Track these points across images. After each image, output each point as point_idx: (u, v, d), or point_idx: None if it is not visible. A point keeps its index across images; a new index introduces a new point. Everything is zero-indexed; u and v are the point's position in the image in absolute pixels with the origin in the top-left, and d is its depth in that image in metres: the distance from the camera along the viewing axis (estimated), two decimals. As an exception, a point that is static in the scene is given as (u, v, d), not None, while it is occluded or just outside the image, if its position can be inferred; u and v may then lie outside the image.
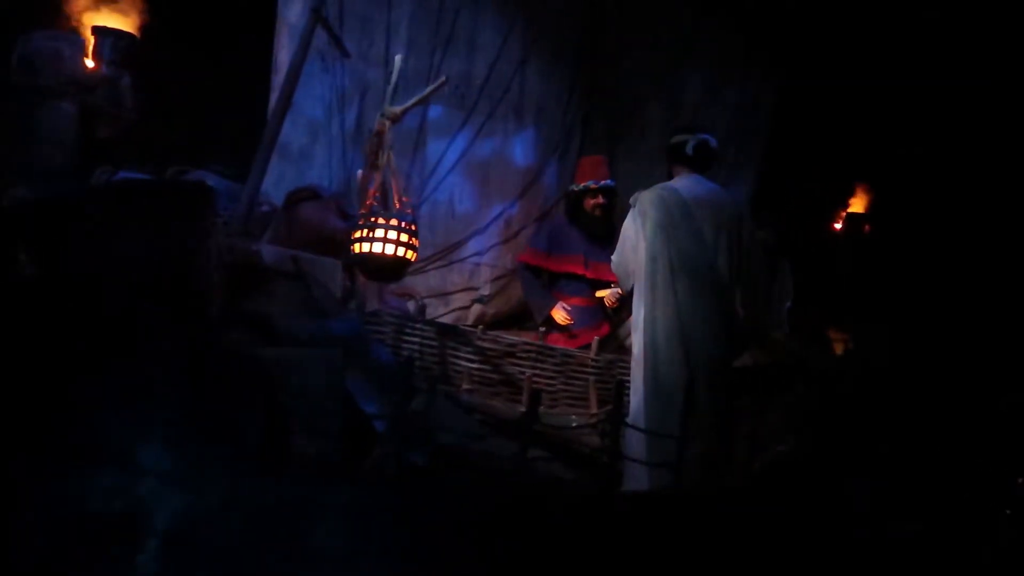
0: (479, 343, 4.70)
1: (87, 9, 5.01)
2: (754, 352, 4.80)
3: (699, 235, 4.40)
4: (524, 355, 4.83)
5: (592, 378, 4.90)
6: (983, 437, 4.02)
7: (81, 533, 2.37)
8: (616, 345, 5.31)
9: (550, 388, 4.85)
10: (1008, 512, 3.66)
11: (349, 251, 4.26)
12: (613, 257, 4.70)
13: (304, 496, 2.54)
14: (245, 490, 2.53)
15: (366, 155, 4.62)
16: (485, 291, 6.02)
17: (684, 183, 4.55)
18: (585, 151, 6.31)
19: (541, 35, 6.27)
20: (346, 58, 5.43)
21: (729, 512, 3.15)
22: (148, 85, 5.21)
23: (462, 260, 6.02)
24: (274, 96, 5.03)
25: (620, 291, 5.03)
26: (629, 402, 4.46)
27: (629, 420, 4.34)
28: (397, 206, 4.39)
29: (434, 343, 4.59)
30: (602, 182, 5.57)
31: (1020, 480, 3.76)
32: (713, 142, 4.65)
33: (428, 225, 5.88)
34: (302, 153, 5.64)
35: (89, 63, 4.96)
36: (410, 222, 4.30)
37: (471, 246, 6.04)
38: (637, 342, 4.41)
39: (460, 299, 6.02)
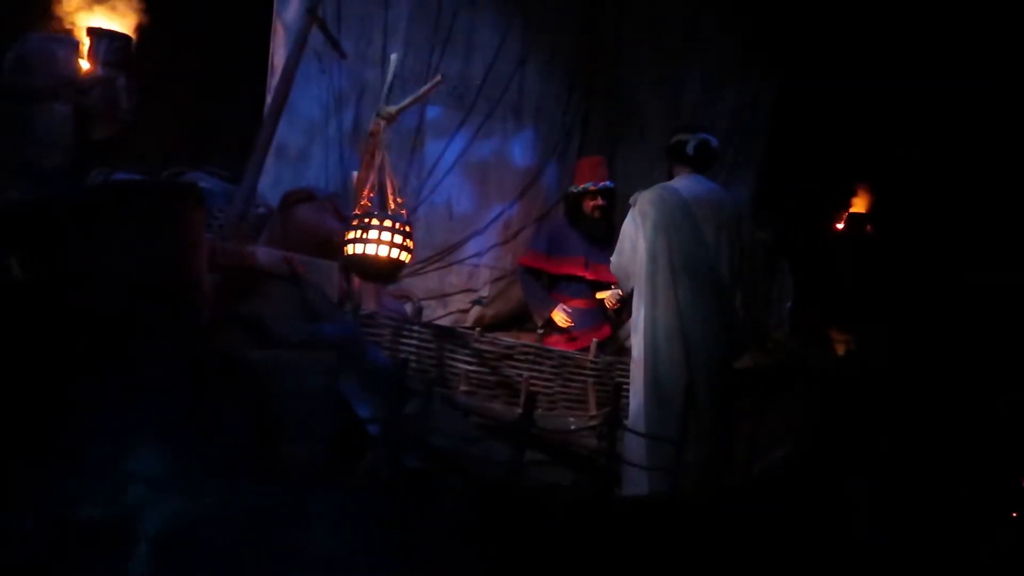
0: (476, 345, 4.67)
1: (82, 10, 4.98)
2: (754, 353, 4.77)
3: (700, 235, 4.38)
4: (522, 357, 4.80)
5: (591, 380, 4.87)
6: (983, 437, 4.00)
7: (70, 538, 2.35)
8: (616, 347, 5.29)
9: (548, 390, 4.82)
10: (1015, 515, 3.65)
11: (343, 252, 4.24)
12: (612, 258, 4.67)
13: (296, 500, 2.52)
14: (237, 494, 2.50)
15: (361, 155, 4.59)
16: (484, 293, 6.00)
17: (684, 183, 4.53)
18: (585, 151, 6.29)
19: (540, 35, 6.26)
20: (343, 59, 5.41)
21: (728, 515, 3.13)
22: (144, 86, 5.18)
23: (461, 261, 6.00)
24: (270, 97, 5.01)
25: (620, 292, 5.01)
26: (628, 404, 4.45)
27: (628, 422, 4.32)
28: (392, 207, 4.36)
29: (431, 345, 4.56)
30: (601, 183, 5.55)
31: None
32: (714, 142, 4.63)
33: (426, 226, 5.87)
34: (299, 154, 5.63)
35: (84, 64, 4.93)
36: (404, 223, 4.27)
37: (470, 247, 6.02)
38: (637, 343, 4.39)
39: (459, 301, 6.00)
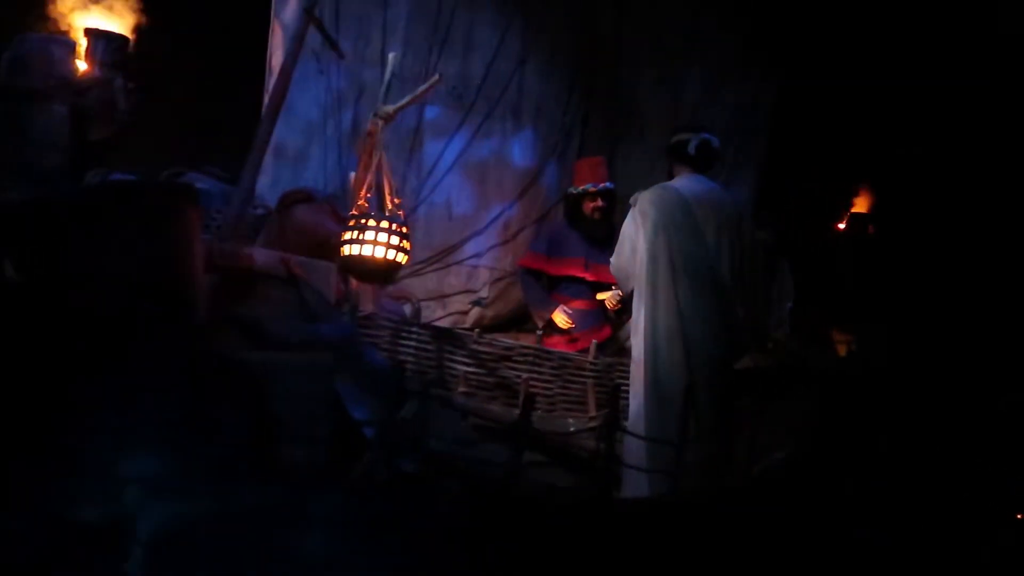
0: (475, 346, 4.65)
1: (80, 11, 4.97)
2: (754, 354, 4.76)
3: (700, 235, 4.37)
4: (521, 358, 4.78)
5: (590, 381, 4.85)
6: (983, 437, 4.00)
7: (66, 540, 2.34)
8: (617, 347, 5.28)
9: (547, 392, 4.80)
10: (1020, 516, 3.64)
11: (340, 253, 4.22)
12: (612, 259, 4.66)
13: (292, 502, 2.51)
14: (232, 496, 2.49)
15: (359, 155, 4.58)
16: (483, 294, 5.99)
17: (685, 183, 4.52)
18: (584, 151, 6.29)
19: (539, 34, 6.24)
20: (341, 59, 5.39)
21: (728, 517, 3.12)
22: (142, 87, 5.17)
23: (460, 262, 5.99)
24: (268, 98, 4.99)
25: (620, 293, 5.00)
26: (628, 406, 4.43)
27: (628, 424, 4.31)
28: (389, 207, 4.34)
29: (429, 347, 4.54)
30: (601, 185, 5.54)
31: None
32: (715, 142, 4.63)
33: (425, 227, 5.87)
34: (298, 155, 5.62)
35: (82, 65, 4.92)
36: (401, 224, 4.25)
37: (469, 248, 6.01)
38: (637, 344, 4.38)
39: (458, 302, 5.99)
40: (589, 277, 5.52)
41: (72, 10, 4.92)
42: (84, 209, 2.75)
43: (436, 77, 4.82)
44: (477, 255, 6.01)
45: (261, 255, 4.04)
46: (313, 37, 5.06)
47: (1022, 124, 6.42)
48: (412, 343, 4.52)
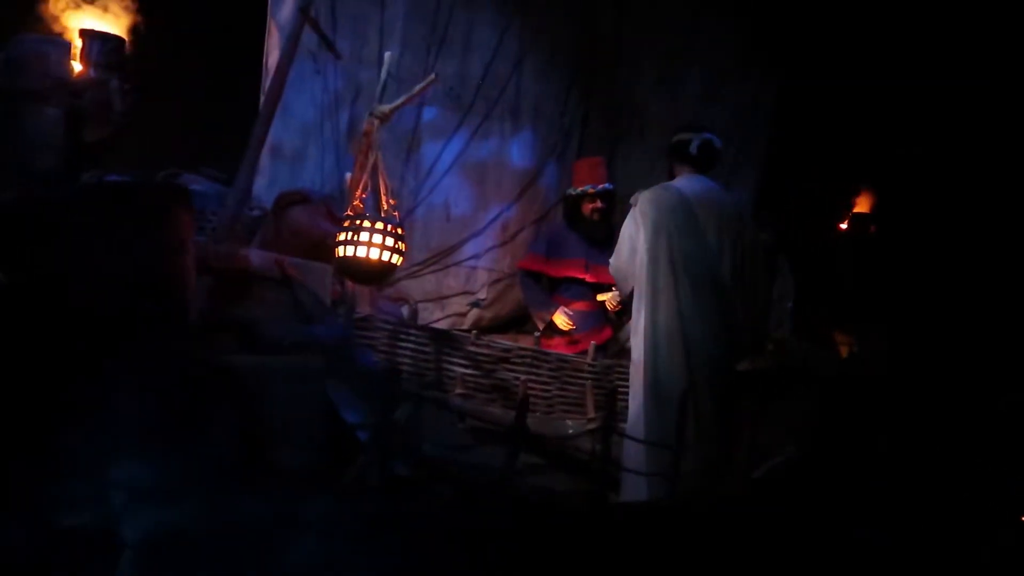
0: (473, 348, 4.62)
1: (75, 12, 4.95)
2: (754, 357, 4.73)
3: (701, 236, 4.35)
4: (519, 360, 4.74)
5: (589, 383, 4.82)
6: (983, 437, 3.98)
7: (52, 547, 2.31)
8: (617, 348, 5.26)
9: (546, 394, 4.77)
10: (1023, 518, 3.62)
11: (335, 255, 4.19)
12: (611, 260, 4.64)
13: (283, 507, 2.48)
14: (222, 502, 2.46)
15: (355, 156, 4.55)
16: (482, 295, 5.97)
17: (686, 183, 4.49)
18: (584, 151, 6.27)
19: (539, 34, 6.22)
20: (338, 59, 5.37)
21: (728, 522, 3.09)
22: (139, 88, 5.15)
23: (458, 264, 5.97)
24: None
25: (620, 294, 4.97)
26: (626, 407, 4.40)
27: (628, 425, 4.29)
28: (385, 208, 4.31)
29: (426, 348, 4.51)
30: (600, 185, 5.52)
31: None
32: (717, 142, 4.60)
33: (423, 228, 5.86)
34: (295, 156, 5.60)
35: (77, 66, 4.89)
36: (396, 225, 4.21)
37: (467, 249, 5.99)
38: (637, 346, 4.35)
39: (456, 303, 5.97)
40: (589, 278, 5.49)
41: (67, 11, 4.90)
42: (74, 210, 2.72)
43: (432, 76, 4.79)
44: (475, 256, 5.99)
45: (257, 256, 4.02)
46: (310, 37, 5.03)
47: (1022, 124, 6.40)
48: (409, 345, 4.49)
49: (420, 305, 5.49)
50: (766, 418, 4.38)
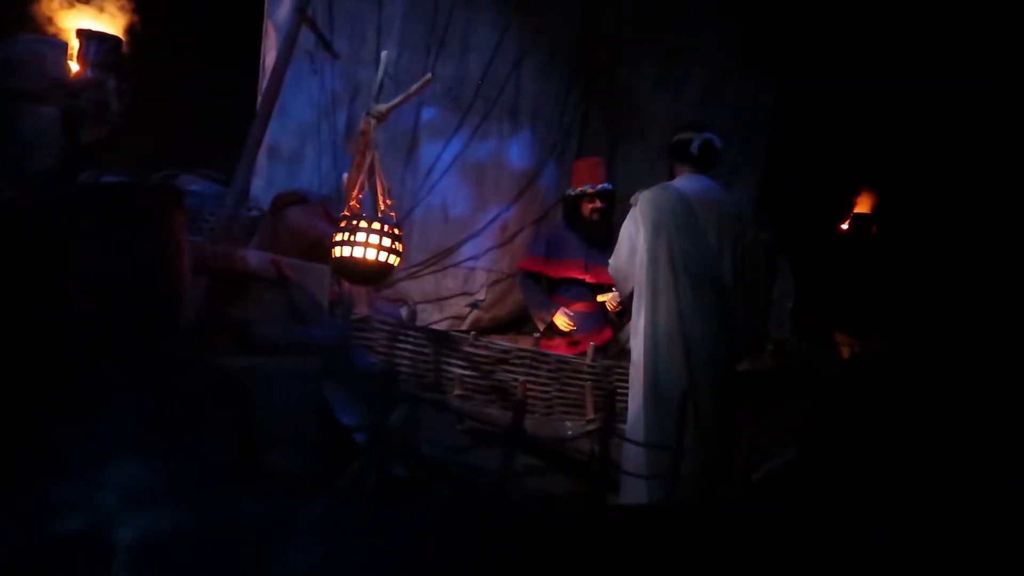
0: (471, 349, 4.60)
1: (70, 12, 4.93)
2: (754, 359, 4.72)
3: (701, 235, 4.32)
4: (518, 361, 4.72)
5: (588, 384, 4.80)
6: (983, 437, 3.97)
7: (41, 554, 2.28)
8: (618, 349, 5.24)
9: (545, 395, 4.75)
10: None
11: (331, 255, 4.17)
12: (610, 260, 4.61)
13: (278, 510, 2.45)
14: (216, 506, 2.44)
15: (352, 156, 4.53)
16: (480, 296, 5.95)
17: (686, 182, 4.47)
18: (584, 152, 6.26)
19: (538, 34, 6.21)
20: (335, 59, 5.35)
21: (727, 525, 3.07)
22: (136, 89, 5.13)
23: (457, 265, 5.95)
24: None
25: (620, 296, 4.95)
26: (626, 409, 4.38)
27: (627, 427, 4.26)
28: (382, 208, 4.29)
29: (424, 350, 4.49)
30: (599, 185, 5.50)
31: None
32: (718, 141, 4.58)
33: (422, 229, 5.84)
34: (293, 156, 5.58)
35: (74, 66, 4.88)
36: (393, 225, 4.19)
37: (466, 250, 5.97)
38: (637, 347, 4.33)
39: (455, 304, 5.95)
40: (589, 279, 5.48)
41: (62, 11, 4.88)
42: (66, 210, 2.70)
43: (428, 75, 4.77)
44: (474, 257, 5.98)
45: (254, 257, 3.99)
46: (307, 37, 5.02)
47: (1022, 124, 6.39)
48: (407, 346, 4.47)
49: (419, 306, 5.47)
50: (766, 419, 4.37)
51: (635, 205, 4.46)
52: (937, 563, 3.24)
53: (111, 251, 2.62)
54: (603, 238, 5.39)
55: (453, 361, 4.55)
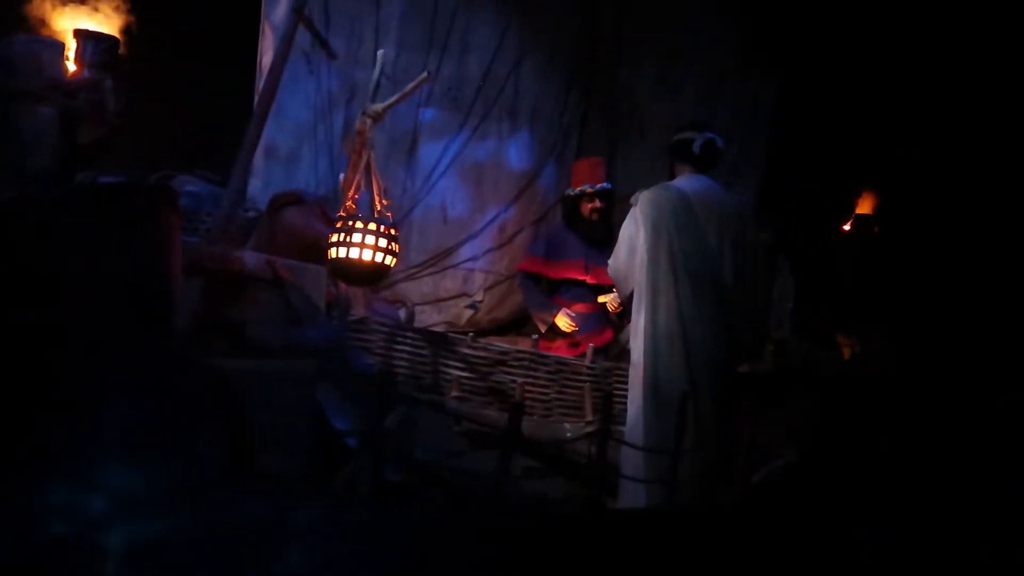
0: (469, 351, 4.57)
1: (65, 12, 4.92)
2: (754, 358, 4.70)
3: (702, 235, 4.30)
4: (516, 363, 4.70)
5: (587, 386, 4.78)
6: (983, 437, 3.96)
7: (29, 559, 2.26)
8: (619, 350, 5.22)
9: (544, 397, 4.73)
10: None
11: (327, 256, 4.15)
12: (610, 260, 4.59)
13: (270, 515, 2.43)
14: (206, 510, 2.41)
15: (349, 155, 4.51)
16: (479, 297, 5.92)
17: (687, 182, 4.45)
18: (583, 152, 6.24)
19: (538, 35, 6.19)
20: (332, 59, 5.33)
21: (726, 529, 3.05)
22: (134, 89, 5.12)
23: (455, 266, 5.92)
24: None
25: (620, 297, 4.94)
26: (624, 411, 4.36)
27: (626, 429, 4.24)
28: (378, 208, 4.27)
29: (422, 351, 4.47)
30: (598, 185, 5.49)
31: None
32: (720, 141, 4.56)
33: (420, 230, 5.82)
34: (290, 156, 5.56)
35: (71, 67, 4.87)
36: (390, 226, 4.17)
37: (465, 251, 5.94)
38: (636, 347, 4.31)
39: (454, 305, 5.92)
40: (589, 279, 5.47)
41: (56, 11, 4.87)
42: (57, 211, 2.68)
43: (424, 75, 4.75)
44: (473, 258, 5.95)
45: (251, 258, 3.98)
46: (304, 37, 5.00)
47: (1022, 124, 6.37)
48: (405, 347, 4.45)
49: (417, 308, 5.45)
50: (766, 419, 4.35)
51: (635, 205, 4.43)
52: (937, 563, 3.23)
53: (102, 251, 2.59)
54: (603, 238, 5.38)
55: (451, 363, 4.53)
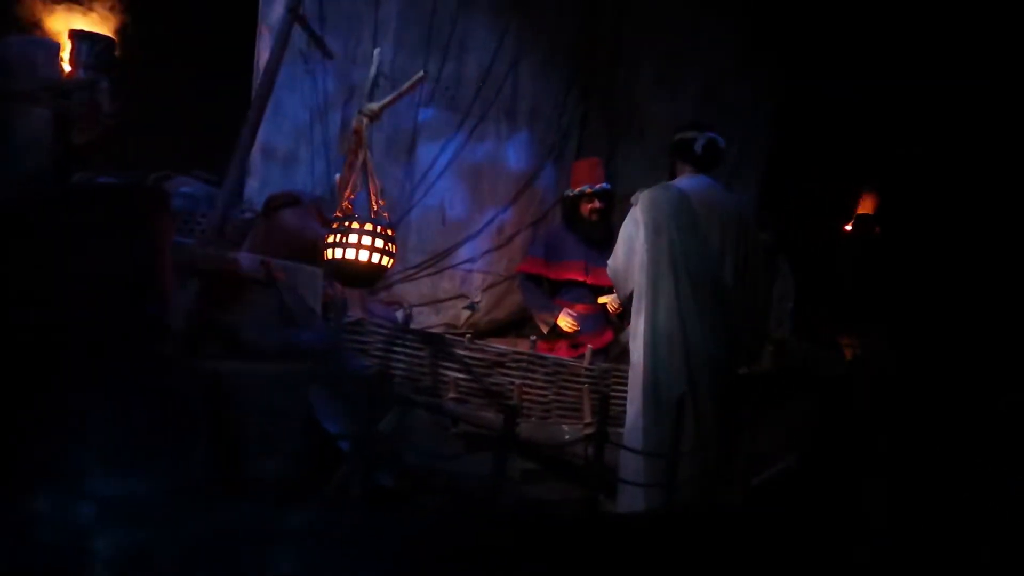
0: (466, 352, 4.55)
1: (64, 13, 4.90)
2: (754, 360, 4.68)
3: (703, 236, 4.29)
4: (514, 364, 4.68)
5: (586, 387, 4.75)
6: (983, 437, 3.94)
7: (19, 564, 2.24)
8: (619, 351, 5.19)
9: (542, 399, 4.71)
10: None
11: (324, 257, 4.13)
12: (609, 261, 4.57)
13: (261, 519, 2.41)
14: (196, 514, 2.39)
15: (345, 155, 4.49)
16: (477, 298, 5.89)
17: (688, 182, 4.44)
18: (583, 152, 6.21)
19: (537, 35, 6.16)
20: (329, 59, 5.31)
21: (725, 532, 3.04)
22: (130, 90, 5.10)
23: (454, 267, 5.89)
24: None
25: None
26: (622, 413, 4.33)
27: (625, 430, 4.22)
28: (374, 208, 4.24)
29: (419, 353, 4.44)
30: (597, 186, 5.48)
31: None
32: (722, 141, 4.55)
33: (418, 231, 5.79)
34: (287, 157, 5.54)
35: (66, 67, 4.84)
36: (386, 226, 4.14)
37: (463, 252, 5.91)
38: (636, 348, 4.29)
39: (452, 307, 5.90)
40: (589, 280, 5.47)
41: (55, 12, 4.85)
42: (49, 212, 2.66)
43: (421, 73, 4.73)
44: (471, 259, 5.92)
45: (246, 259, 3.95)
46: (302, 37, 4.98)
47: (1022, 124, 6.35)
48: (401, 349, 4.42)
49: (415, 309, 5.43)
50: (766, 419, 4.34)
51: (635, 204, 4.42)
52: (937, 563, 3.22)
53: (95, 253, 2.58)
54: (602, 239, 5.36)
55: (448, 364, 4.50)
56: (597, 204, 5.46)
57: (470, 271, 5.92)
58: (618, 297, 4.78)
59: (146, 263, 2.70)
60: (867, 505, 3.49)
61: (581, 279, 5.46)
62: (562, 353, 5.13)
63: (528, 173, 6.11)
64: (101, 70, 4.91)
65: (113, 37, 4.98)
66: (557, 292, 5.52)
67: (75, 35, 4.89)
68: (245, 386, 2.75)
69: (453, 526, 2.55)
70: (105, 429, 2.46)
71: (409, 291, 5.69)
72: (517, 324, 5.96)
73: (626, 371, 4.47)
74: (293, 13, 4.49)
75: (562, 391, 4.76)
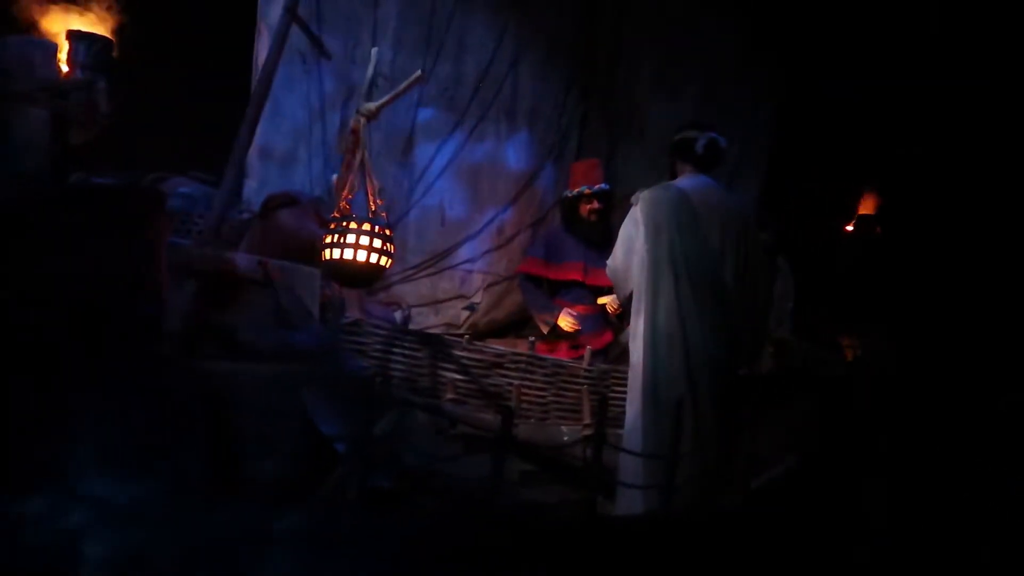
0: (465, 353, 4.53)
1: (61, 13, 4.89)
2: (754, 361, 4.67)
3: (703, 237, 4.27)
4: (513, 366, 4.66)
5: (585, 388, 4.74)
6: (983, 437, 3.93)
7: (10, 566, 2.23)
8: (619, 351, 5.18)
9: (541, 400, 4.69)
10: None
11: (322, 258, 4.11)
12: (608, 261, 4.56)
13: (257, 521, 2.39)
14: (192, 516, 2.38)
15: (343, 155, 4.48)
16: (476, 299, 5.89)
17: (689, 183, 4.42)
18: (583, 153, 6.21)
19: (537, 35, 6.16)
20: (327, 59, 5.30)
21: (725, 534, 3.02)
22: (127, 90, 5.09)
23: (453, 267, 5.88)
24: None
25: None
26: (621, 414, 4.32)
27: (625, 431, 4.21)
28: (372, 208, 4.23)
29: (417, 353, 4.43)
30: (596, 186, 5.47)
31: None
32: (722, 141, 4.53)
33: (417, 231, 5.79)
34: (286, 157, 5.54)
35: (63, 68, 4.83)
36: (384, 226, 4.13)
37: (462, 253, 5.91)
38: (635, 349, 4.28)
39: (451, 307, 5.89)
40: (589, 281, 5.46)
41: (52, 13, 4.84)
42: (46, 213, 2.65)
43: (418, 73, 4.71)
44: (471, 260, 5.92)
45: (243, 260, 3.94)
46: (300, 38, 4.97)
47: (1022, 124, 6.34)
48: (399, 350, 4.41)
49: (415, 309, 5.42)
50: (766, 420, 4.33)
51: (635, 204, 4.40)
52: (937, 563, 3.22)
53: (91, 253, 2.57)
54: (602, 239, 5.35)
55: (446, 365, 4.48)
56: (596, 205, 5.46)
57: (469, 271, 5.92)
58: (617, 297, 4.76)
59: (143, 263, 2.69)
60: (867, 505, 3.48)
61: (580, 280, 5.46)
62: (562, 354, 5.11)
63: (528, 173, 6.10)
64: (98, 70, 4.89)
65: (110, 37, 4.96)
66: (557, 293, 5.52)
67: (72, 35, 4.87)
68: (242, 387, 2.74)
69: (451, 528, 2.54)
70: (102, 429, 2.45)
71: (408, 291, 5.68)
72: (516, 325, 5.95)
73: (625, 372, 4.45)
74: (291, 13, 4.47)
75: (561, 392, 4.74)
